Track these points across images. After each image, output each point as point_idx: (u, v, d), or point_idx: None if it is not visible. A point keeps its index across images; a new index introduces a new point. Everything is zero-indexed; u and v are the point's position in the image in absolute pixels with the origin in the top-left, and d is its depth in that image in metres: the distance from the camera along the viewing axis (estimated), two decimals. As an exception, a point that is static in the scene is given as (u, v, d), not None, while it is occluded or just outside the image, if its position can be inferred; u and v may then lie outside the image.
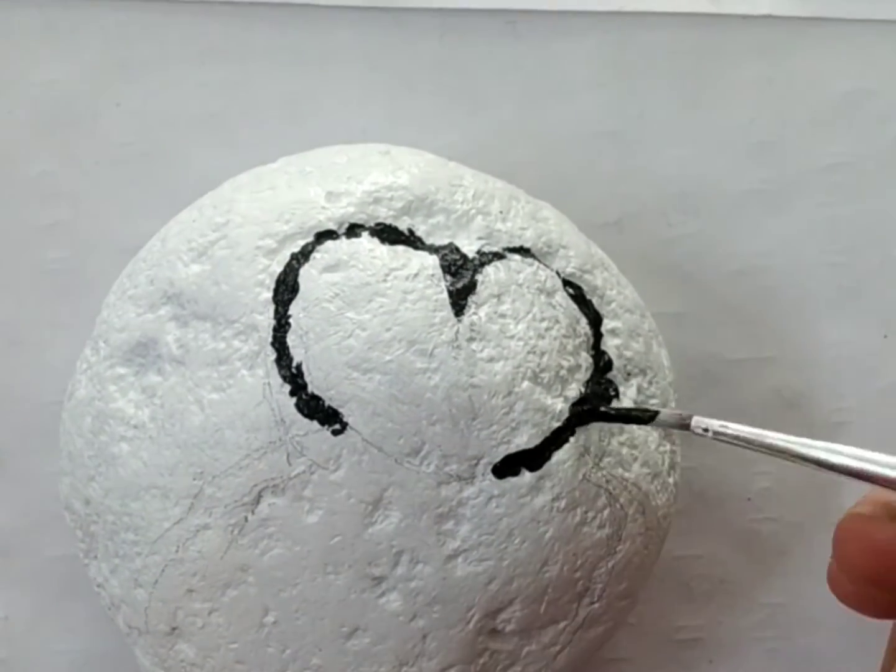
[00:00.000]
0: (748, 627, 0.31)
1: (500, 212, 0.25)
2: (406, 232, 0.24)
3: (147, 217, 0.28)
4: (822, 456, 0.20)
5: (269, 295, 0.23)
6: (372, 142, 0.28)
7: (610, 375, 0.25)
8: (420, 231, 0.24)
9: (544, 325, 0.24)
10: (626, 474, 0.24)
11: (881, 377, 0.31)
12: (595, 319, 0.25)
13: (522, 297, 0.24)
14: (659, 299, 0.31)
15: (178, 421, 0.23)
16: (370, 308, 0.23)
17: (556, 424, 0.23)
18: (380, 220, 0.24)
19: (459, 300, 0.23)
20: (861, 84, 0.31)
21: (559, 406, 0.23)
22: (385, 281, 0.23)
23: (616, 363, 0.25)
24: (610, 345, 0.25)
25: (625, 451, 0.24)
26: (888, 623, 0.21)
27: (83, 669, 0.30)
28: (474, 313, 0.23)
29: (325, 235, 0.24)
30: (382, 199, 0.24)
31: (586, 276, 0.25)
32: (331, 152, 0.26)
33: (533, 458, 0.23)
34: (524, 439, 0.23)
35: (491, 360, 0.23)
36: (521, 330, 0.23)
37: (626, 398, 0.25)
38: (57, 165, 0.30)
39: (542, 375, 0.23)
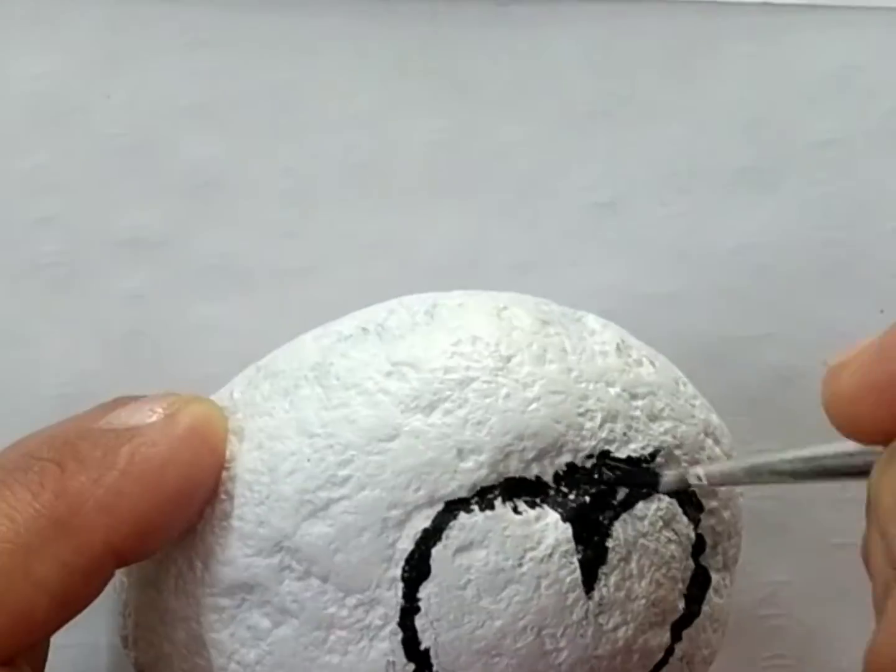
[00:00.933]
0: (751, 605, 0.31)
1: (624, 433, 0.23)
2: (534, 479, 0.23)
3: (141, 208, 0.28)
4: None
5: (397, 572, 0.22)
6: (363, 127, 0.28)
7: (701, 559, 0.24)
8: (548, 476, 0.23)
9: (664, 570, 0.23)
10: None
11: (878, 352, 0.31)
12: (696, 517, 0.24)
13: (647, 550, 0.23)
14: (653, 279, 0.31)
15: None
16: (504, 596, 0.22)
17: (660, 656, 0.23)
18: (510, 476, 0.22)
19: (590, 573, 0.22)
20: (850, 60, 0.31)
21: (665, 638, 0.23)
22: (520, 566, 0.22)
23: (708, 541, 0.24)
24: (705, 525, 0.24)
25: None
26: None
27: (88, 663, 0.30)
28: (604, 585, 0.22)
29: (457, 505, 0.22)
30: (513, 454, 0.22)
31: (692, 469, 0.24)
32: (444, 354, 0.23)
33: None
34: None
35: (615, 628, 0.22)
36: (643, 588, 0.23)
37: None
38: (48, 159, 0.30)
39: (658, 620, 0.23)
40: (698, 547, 0.24)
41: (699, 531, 0.24)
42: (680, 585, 0.23)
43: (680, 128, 0.31)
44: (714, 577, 0.24)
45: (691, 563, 0.24)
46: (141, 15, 0.30)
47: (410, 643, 0.22)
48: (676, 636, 0.23)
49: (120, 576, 0.25)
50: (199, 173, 0.27)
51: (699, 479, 0.22)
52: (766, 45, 0.31)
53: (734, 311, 0.31)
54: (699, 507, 0.24)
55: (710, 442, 0.25)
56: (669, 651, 0.23)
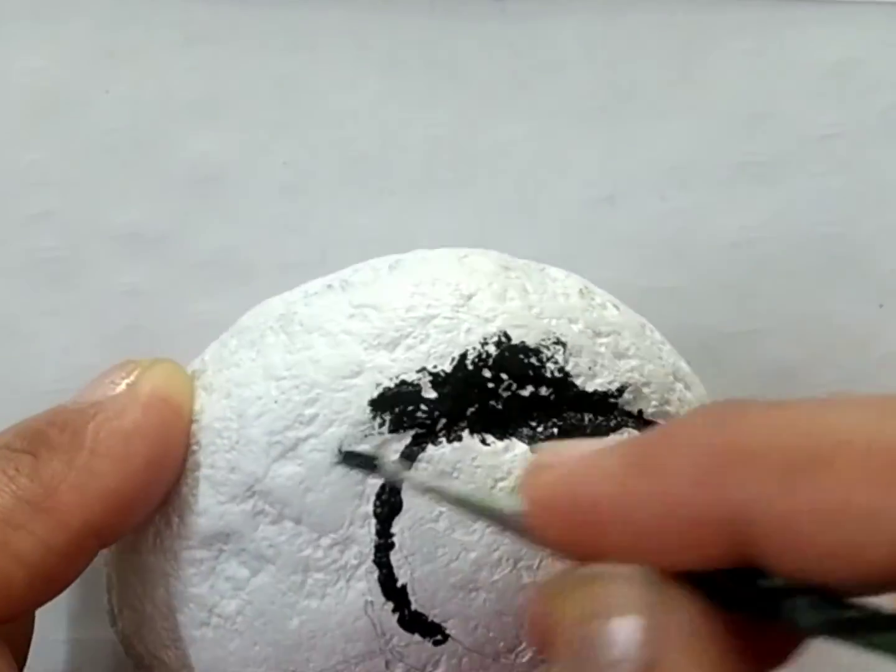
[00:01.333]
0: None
1: (589, 368, 0.23)
2: (501, 410, 0.23)
3: (139, 203, 0.28)
4: None
5: (368, 508, 0.22)
6: (363, 121, 0.28)
7: None
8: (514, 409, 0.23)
9: None
10: None
11: (877, 347, 0.31)
12: None
13: None
14: (652, 274, 0.31)
15: (269, 621, 0.22)
16: (477, 527, 0.22)
17: None
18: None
19: None
20: (850, 54, 0.31)
21: None
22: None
23: None
24: None
25: None
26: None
27: (83, 658, 0.30)
28: None
29: (424, 437, 0.22)
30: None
31: (665, 408, 0.24)
32: (405, 294, 0.23)
33: None
34: None
35: None
36: None
37: None
38: (47, 154, 0.30)
39: None
40: None
41: None
42: None
43: (679, 122, 0.31)
44: None
45: None
46: (140, 9, 0.30)
47: (387, 581, 0.22)
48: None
49: (106, 554, 0.25)
50: (198, 168, 0.27)
51: (396, 475, 0.22)
52: (767, 39, 0.31)
53: (734, 305, 0.31)
54: None
55: (680, 386, 0.25)
56: None
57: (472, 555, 0.22)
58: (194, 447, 0.23)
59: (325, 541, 0.22)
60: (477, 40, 0.31)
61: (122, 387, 0.23)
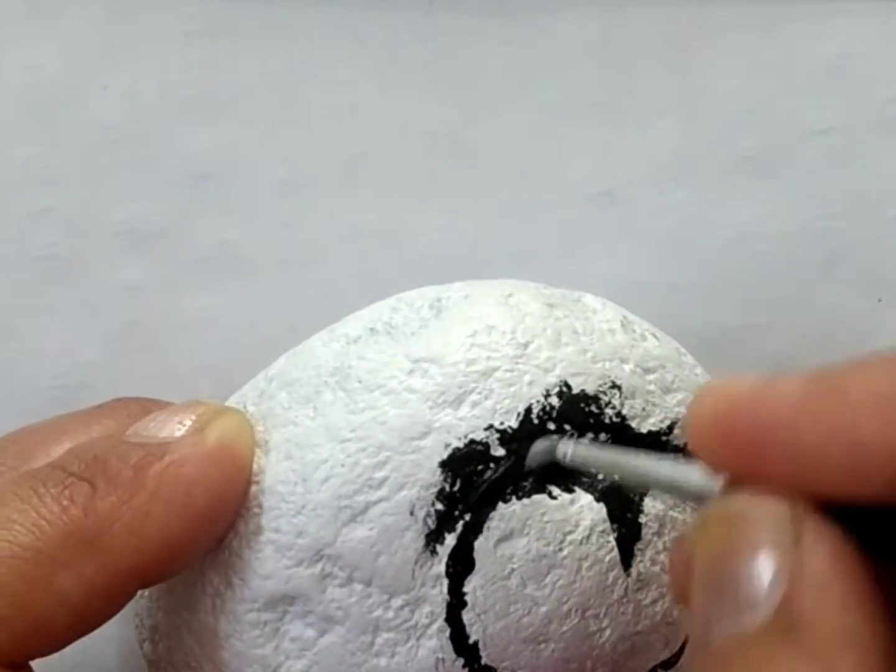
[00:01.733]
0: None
1: (643, 409, 0.23)
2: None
3: (137, 200, 0.28)
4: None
5: (441, 568, 0.22)
6: (362, 118, 0.28)
7: None
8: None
9: None
10: None
11: (877, 341, 0.31)
12: None
13: (676, 522, 0.23)
14: (652, 268, 0.31)
15: None
16: (548, 581, 0.22)
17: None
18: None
19: (626, 551, 0.23)
20: (849, 49, 0.31)
21: None
22: (560, 550, 0.22)
23: None
24: None
25: None
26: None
27: (85, 646, 0.30)
28: (640, 561, 0.23)
29: (497, 495, 0.22)
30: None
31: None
32: (462, 346, 0.23)
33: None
34: (667, 655, 0.23)
35: (653, 602, 0.23)
36: None
37: None
38: (45, 150, 0.30)
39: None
40: None
41: None
42: None
43: (678, 117, 0.31)
44: None
45: None
46: (139, 6, 0.30)
47: (458, 638, 0.22)
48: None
49: (143, 600, 0.25)
50: (196, 164, 0.27)
51: (565, 456, 0.22)
52: (765, 35, 0.31)
53: (733, 300, 0.31)
54: None
55: None
56: None
57: (543, 609, 0.22)
58: (256, 510, 0.22)
59: (396, 602, 0.22)
60: (475, 38, 0.31)
61: (188, 429, 0.22)
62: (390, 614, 0.22)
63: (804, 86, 0.31)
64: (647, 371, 0.24)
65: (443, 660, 0.22)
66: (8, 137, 0.30)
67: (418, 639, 0.22)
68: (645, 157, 0.31)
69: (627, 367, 0.24)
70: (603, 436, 0.23)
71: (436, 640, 0.22)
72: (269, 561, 0.22)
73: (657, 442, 0.23)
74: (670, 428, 0.24)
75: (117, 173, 0.30)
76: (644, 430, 0.23)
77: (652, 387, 0.24)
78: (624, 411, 0.23)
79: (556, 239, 0.31)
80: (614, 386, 0.23)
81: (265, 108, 0.31)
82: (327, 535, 0.22)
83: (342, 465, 0.22)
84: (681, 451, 0.23)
